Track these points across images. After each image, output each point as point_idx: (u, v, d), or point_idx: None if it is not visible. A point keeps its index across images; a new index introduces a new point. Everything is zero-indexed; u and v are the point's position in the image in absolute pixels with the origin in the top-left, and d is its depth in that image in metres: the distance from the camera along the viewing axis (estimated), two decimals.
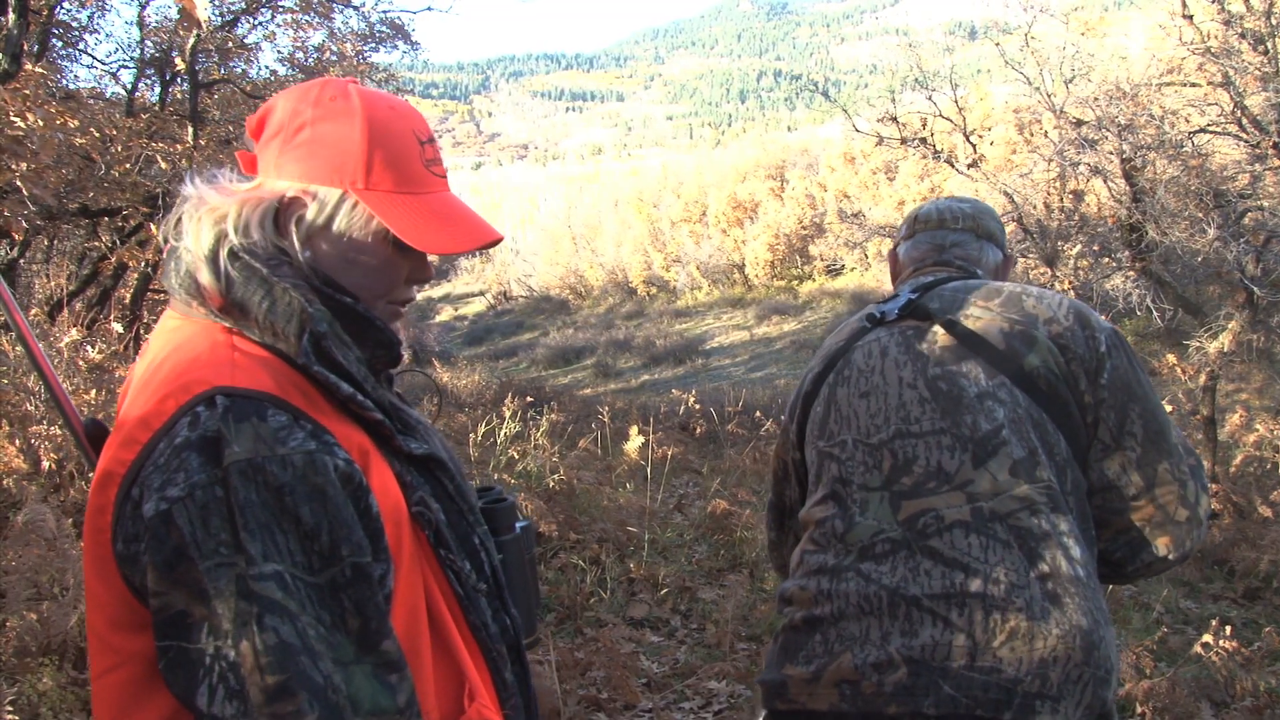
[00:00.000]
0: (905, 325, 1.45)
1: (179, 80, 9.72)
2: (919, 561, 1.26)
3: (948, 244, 1.63)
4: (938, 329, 1.41)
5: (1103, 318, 1.44)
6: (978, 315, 1.40)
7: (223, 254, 0.95)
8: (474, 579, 1.03)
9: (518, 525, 1.19)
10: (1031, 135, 9.28)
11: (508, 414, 7.04)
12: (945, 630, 1.22)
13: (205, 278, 0.94)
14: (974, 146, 8.82)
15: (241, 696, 0.81)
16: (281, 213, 0.98)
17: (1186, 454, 1.38)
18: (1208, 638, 3.49)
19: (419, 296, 1.14)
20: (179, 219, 0.99)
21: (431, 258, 1.06)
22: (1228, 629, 3.54)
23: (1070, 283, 7.40)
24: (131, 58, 10.32)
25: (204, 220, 0.96)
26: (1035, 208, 8.32)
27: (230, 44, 10.02)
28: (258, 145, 1.02)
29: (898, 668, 1.22)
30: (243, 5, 10.23)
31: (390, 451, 0.99)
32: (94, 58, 11.71)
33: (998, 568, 1.23)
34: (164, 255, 1.01)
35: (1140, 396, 1.36)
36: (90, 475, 1.07)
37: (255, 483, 0.84)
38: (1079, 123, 7.36)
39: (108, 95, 10.50)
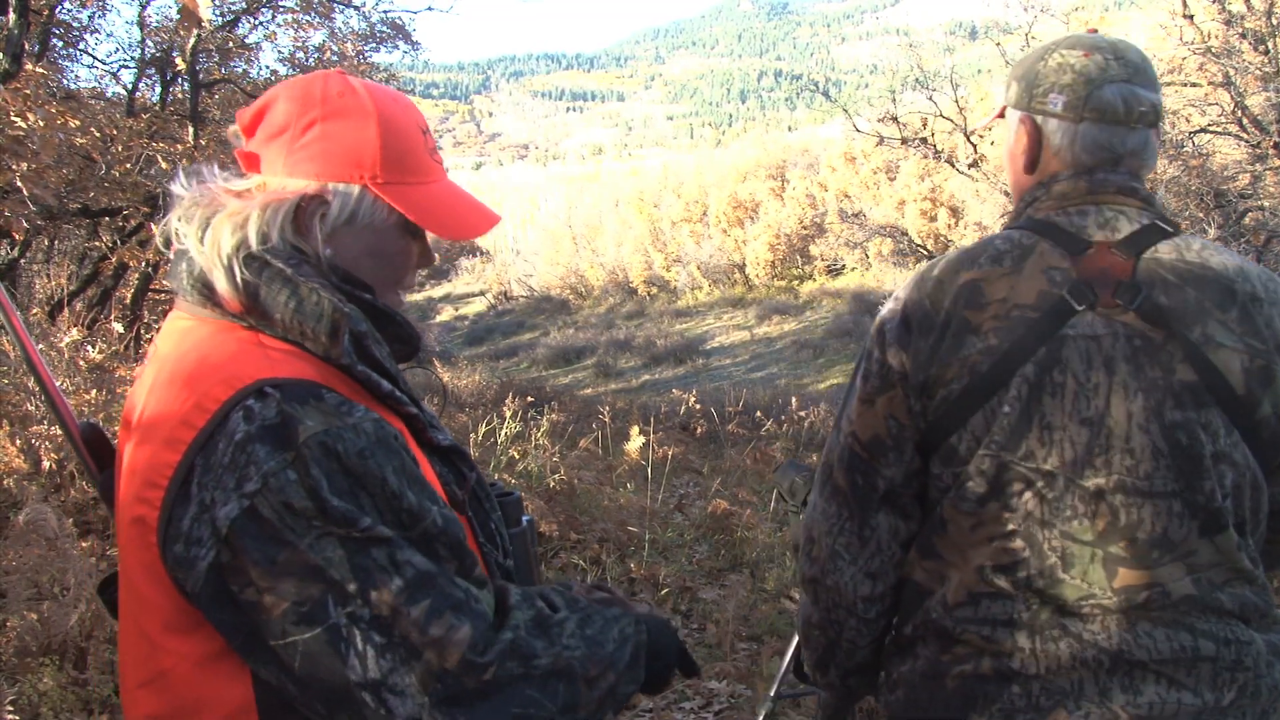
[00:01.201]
0: (1130, 328, 1.17)
1: (179, 80, 9.72)
2: (1136, 624, 1.18)
3: (1126, 151, 1.26)
4: (1175, 353, 1.16)
5: None
6: (1220, 341, 1.16)
7: (238, 259, 0.93)
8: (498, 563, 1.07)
9: (524, 519, 1.20)
10: None
11: (508, 414, 7.04)
12: (1171, 689, 1.17)
13: (223, 284, 0.93)
14: (975, 146, 8.83)
15: (392, 646, 0.82)
16: (301, 211, 0.97)
17: None
18: None
19: (419, 296, 1.16)
20: (176, 219, 0.97)
21: (431, 240, 1.10)
22: None
23: None
24: (132, 57, 10.32)
25: (224, 225, 0.94)
26: None
27: (231, 44, 10.03)
28: (252, 141, 1.00)
29: None
30: (243, 5, 10.24)
31: (421, 443, 1.01)
32: (94, 58, 11.69)
33: (1222, 630, 1.19)
34: (172, 256, 0.99)
35: None
36: (89, 478, 1.06)
37: (335, 453, 0.84)
38: None
39: (108, 95, 10.50)
